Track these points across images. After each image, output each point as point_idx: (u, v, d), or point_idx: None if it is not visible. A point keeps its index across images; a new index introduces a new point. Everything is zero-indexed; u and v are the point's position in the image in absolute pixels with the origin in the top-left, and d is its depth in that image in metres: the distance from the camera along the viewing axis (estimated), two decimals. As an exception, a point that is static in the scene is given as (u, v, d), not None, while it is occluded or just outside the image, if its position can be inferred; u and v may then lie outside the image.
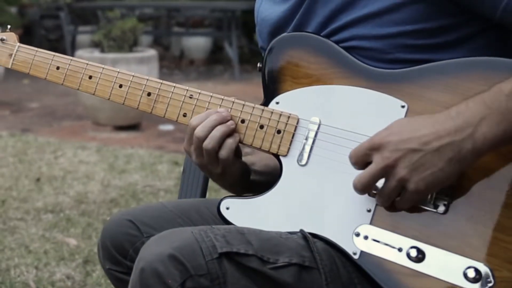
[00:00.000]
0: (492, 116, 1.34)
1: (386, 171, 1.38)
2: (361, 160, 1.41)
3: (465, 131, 1.34)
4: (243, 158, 1.69)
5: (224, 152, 1.58)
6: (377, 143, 1.39)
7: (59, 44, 12.42)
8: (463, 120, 1.35)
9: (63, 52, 1.79)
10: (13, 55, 1.79)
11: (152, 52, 7.61)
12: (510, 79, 1.35)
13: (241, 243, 1.42)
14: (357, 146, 1.42)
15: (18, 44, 1.80)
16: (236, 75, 10.68)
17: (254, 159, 1.76)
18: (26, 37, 11.40)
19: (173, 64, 12.37)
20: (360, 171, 1.41)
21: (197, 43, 12.69)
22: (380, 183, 1.41)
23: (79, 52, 7.69)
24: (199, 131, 1.57)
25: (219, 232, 1.43)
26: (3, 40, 1.80)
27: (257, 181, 1.72)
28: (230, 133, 1.58)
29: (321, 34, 1.58)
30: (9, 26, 1.85)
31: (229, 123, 1.58)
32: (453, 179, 1.37)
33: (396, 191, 1.39)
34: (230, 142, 1.58)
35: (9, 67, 1.80)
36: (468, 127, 1.34)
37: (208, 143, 1.57)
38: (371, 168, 1.39)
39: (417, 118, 1.41)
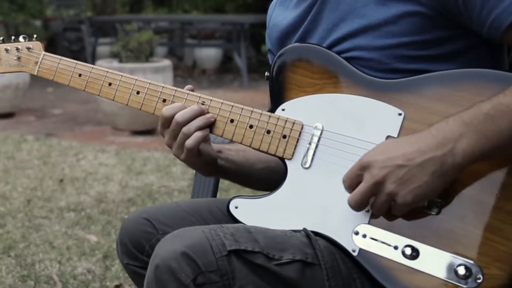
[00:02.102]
0: (470, 133, 1.34)
1: (376, 187, 1.38)
2: (354, 182, 1.41)
3: (445, 146, 1.34)
4: (214, 146, 1.67)
5: (191, 142, 1.56)
6: (365, 162, 1.39)
7: (81, 54, 12.47)
8: (443, 137, 1.35)
9: (84, 62, 1.78)
10: (38, 63, 1.79)
11: (167, 62, 7.62)
12: (491, 99, 1.36)
13: (249, 241, 1.42)
14: (348, 170, 1.42)
15: (44, 52, 1.79)
16: (245, 84, 10.69)
17: (229, 146, 1.74)
18: (50, 49, 11.40)
19: (187, 73, 12.39)
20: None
21: (208, 54, 12.71)
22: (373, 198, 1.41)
23: (99, 62, 7.71)
24: (179, 116, 1.57)
25: (228, 231, 1.43)
26: (30, 48, 1.80)
27: (225, 167, 1.71)
28: (204, 127, 1.57)
29: (324, 45, 1.58)
30: (35, 36, 1.84)
31: (209, 115, 1.58)
32: (438, 192, 1.37)
33: (386, 204, 1.39)
34: (199, 135, 1.56)
35: (35, 73, 1.78)
36: (448, 143, 1.34)
37: (187, 129, 1.56)
38: (362, 186, 1.39)
39: (401, 139, 1.43)
